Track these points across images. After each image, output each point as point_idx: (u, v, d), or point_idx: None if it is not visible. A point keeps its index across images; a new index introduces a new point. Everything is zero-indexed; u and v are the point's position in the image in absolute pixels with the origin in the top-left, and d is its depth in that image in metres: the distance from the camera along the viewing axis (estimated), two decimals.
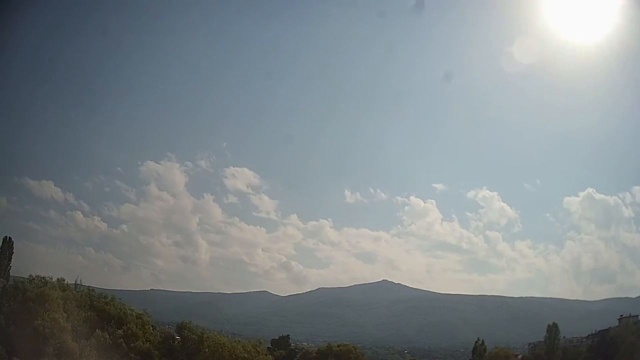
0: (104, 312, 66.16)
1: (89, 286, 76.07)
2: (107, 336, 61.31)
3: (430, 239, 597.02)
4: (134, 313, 71.07)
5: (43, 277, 64.49)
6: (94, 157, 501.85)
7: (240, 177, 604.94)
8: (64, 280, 66.27)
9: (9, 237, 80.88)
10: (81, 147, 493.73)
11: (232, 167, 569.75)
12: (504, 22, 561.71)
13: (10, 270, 78.92)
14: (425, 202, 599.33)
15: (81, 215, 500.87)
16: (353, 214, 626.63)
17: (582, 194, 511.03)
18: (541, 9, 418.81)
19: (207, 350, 69.55)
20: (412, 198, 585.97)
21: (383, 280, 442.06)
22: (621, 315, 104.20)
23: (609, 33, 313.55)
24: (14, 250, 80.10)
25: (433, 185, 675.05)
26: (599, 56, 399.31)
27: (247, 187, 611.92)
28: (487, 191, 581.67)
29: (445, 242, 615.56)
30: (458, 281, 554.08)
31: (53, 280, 64.53)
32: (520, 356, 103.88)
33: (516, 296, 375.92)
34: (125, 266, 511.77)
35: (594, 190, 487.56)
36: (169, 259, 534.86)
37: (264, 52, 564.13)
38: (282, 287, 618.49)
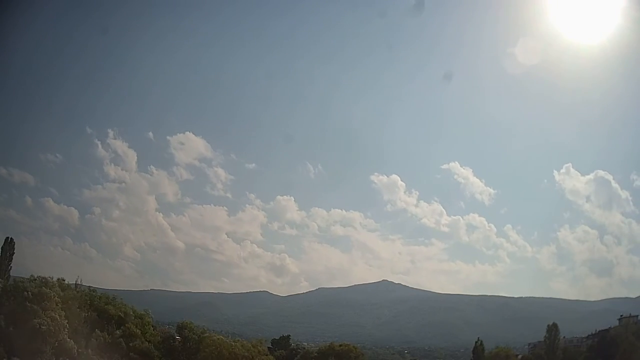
0: (104, 312, 66.22)
1: (89, 286, 76.09)
2: (107, 336, 61.37)
3: (408, 223, 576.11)
4: (135, 313, 71.13)
5: (43, 277, 64.51)
6: (50, 136, 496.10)
7: (189, 146, 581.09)
8: (63, 280, 66.34)
9: (11, 237, 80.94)
10: (33, 126, 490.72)
11: (178, 133, 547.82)
12: (507, 24, 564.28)
13: (11, 270, 78.87)
14: (394, 178, 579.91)
15: (52, 202, 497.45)
16: (320, 192, 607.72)
17: (575, 174, 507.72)
18: (544, 10, 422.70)
19: (207, 350, 69.71)
20: (380, 175, 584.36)
21: (383, 280, 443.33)
22: (621, 315, 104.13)
23: (611, 34, 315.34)
24: (14, 251, 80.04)
25: (403, 160, 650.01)
26: (602, 57, 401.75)
27: (200, 161, 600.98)
28: (467, 171, 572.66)
29: (425, 226, 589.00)
30: (444, 272, 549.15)
31: (53, 280, 64.55)
32: (520, 356, 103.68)
33: (516, 296, 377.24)
34: (103, 257, 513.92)
35: (577, 172, 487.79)
36: (140, 249, 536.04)
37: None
38: (278, 285, 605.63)
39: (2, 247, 78.26)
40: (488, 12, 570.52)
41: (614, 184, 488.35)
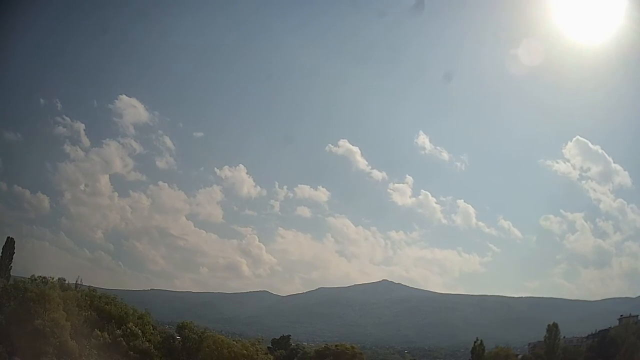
0: (104, 312, 66.33)
1: (89, 286, 76.35)
2: (107, 336, 61.45)
3: (381, 204, 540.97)
4: (135, 313, 71.23)
5: (44, 277, 64.83)
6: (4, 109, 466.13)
7: (131, 112, 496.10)
8: (64, 280, 66.72)
9: (11, 237, 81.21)
10: None
11: (115, 100, 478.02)
12: (510, 24, 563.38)
13: (12, 270, 79.13)
14: (357, 151, 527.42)
15: (20, 188, 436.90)
16: (278, 165, 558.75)
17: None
18: (546, 11, 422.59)
19: (207, 349, 69.82)
20: (342, 147, 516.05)
21: (383, 280, 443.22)
22: (621, 315, 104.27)
23: (613, 35, 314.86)
24: (14, 250, 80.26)
25: (371, 133, 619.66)
26: (604, 57, 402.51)
27: (147, 132, 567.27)
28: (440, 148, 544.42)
29: (399, 207, 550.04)
30: (427, 261, 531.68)
31: (54, 280, 64.88)
32: (520, 356, 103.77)
33: (516, 296, 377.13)
34: (80, 248, 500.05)
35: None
36: (111, 238, 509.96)
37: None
38: (281, 286, 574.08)
39: (2, 247, 78.64)
40: (490, 13, 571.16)
41: (614, 169, 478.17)
